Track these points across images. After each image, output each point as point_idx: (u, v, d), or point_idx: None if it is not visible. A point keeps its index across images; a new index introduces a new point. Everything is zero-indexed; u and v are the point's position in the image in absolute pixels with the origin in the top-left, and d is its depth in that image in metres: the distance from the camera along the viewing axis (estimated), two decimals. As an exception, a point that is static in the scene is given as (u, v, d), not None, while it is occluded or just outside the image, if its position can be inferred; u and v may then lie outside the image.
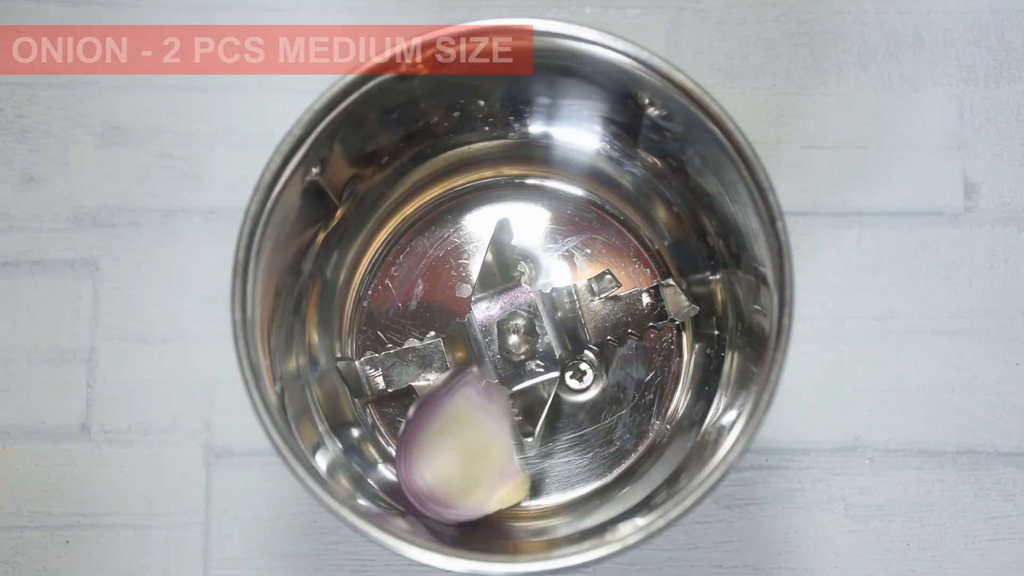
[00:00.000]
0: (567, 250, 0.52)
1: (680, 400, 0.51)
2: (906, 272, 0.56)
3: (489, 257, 0.51)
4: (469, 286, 0.52)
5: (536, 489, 0.51)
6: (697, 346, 0.51)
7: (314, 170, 0.44)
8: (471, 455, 0.47)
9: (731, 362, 0.48)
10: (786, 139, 0.56)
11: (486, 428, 0.48)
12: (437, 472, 0.47)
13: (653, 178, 0.50)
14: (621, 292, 0.51)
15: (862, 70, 0.56)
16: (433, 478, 0.47)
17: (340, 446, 0.49)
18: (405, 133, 0.48)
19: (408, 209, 0.53)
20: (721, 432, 0.44)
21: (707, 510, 0.54)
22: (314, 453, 0.45)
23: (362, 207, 0.51)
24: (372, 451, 0.51)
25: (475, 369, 0.49)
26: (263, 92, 0.56)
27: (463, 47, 0.42)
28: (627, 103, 0.45)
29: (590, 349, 0.51)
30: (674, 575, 0.54)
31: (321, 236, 0.49)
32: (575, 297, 0.52)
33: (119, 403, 0.55)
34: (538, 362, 0.50)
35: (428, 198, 0.53)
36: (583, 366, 0.52)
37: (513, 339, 0.50)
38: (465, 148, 0.52)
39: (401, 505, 0.48)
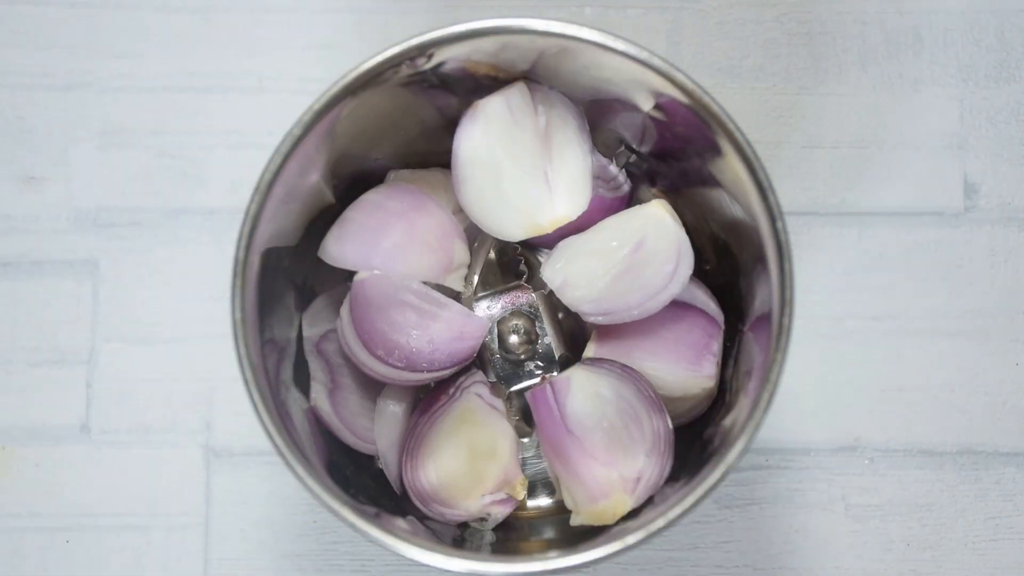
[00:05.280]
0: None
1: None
2: (906, 272, 0.56)
3: (490, 256, 0.51)
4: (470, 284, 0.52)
5: (535, 489, 0.51)
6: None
7: (315, 171, 0.45)
8: (477, 455, 0.47)
9: (732, 363, 0.48)
10: (786, 139, 0.56)
11: (496, 427, 0.48)
12: (443, 472, 0.47)
13: (653, 177, 0.50)
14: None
15: (862, 70, 0.56)
16: (438, 478, 0.47)
17: (339, 444, 0.49)
18: (405, 134, 0.48)
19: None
20: (721, 432, 0.44)
21: (707, 510, 0.54)
22: (314, 452, 0.45)
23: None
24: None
25: (480, 371, 0.49)
26: (263, 92, 0.56)
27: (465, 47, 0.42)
28: (627, 103, 0.45)
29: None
30: (674, 575, 0.54)
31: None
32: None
33: (119, 403, 0.55)
34: (538, 362, 0.50)
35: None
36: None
37: (513, 339, 0.50)
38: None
39: (399, 504, 0.48)
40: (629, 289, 0.46)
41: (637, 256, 0.46)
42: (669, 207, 0.46)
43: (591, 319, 0.47)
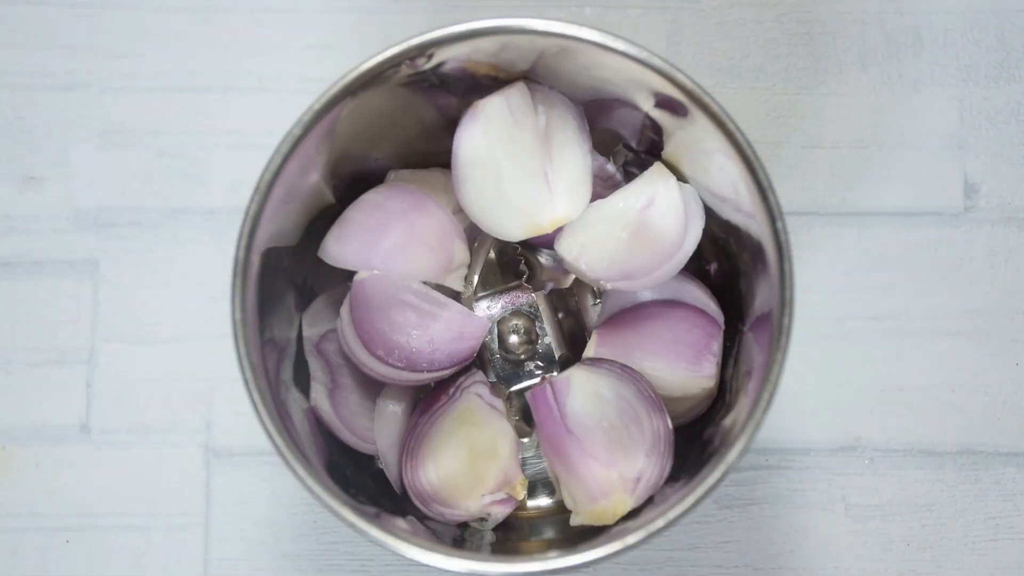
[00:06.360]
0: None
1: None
2: (906, 272, 0.56)
3: (490, 256, 0.51)
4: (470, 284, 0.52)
5: (535, 489, 0.51)
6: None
7: (315, 171, 0.45)
8: (477, 455, 0.47)
9: (732, 363, 0.48)
10: (786, 139, 0.56)
11: (496, 427, 0.47)
12: (443, 472, 0.47)
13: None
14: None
15: (862, 70, 0.56)
16: (439, 478, 0.47)
17: (339, 444, 0.49)
18: (405, 134, 0.48)
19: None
20: (721, 432, 0.44)
21: (707, 510, 0.54)
22: (314, 452, 0.45)
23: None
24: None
25: (480, 371, 0.49)
26: (263, 92, 0.56)
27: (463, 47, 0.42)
28: (626, 102, 0.45)
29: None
30: (674, 575, 0.54)
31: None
32: (576, 297, 0.52)
33: (119, 403, 0.55)
34: (538, 362, 0.50)
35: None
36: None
37: (513, 339, 0.50)
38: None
39: (399, 504, 0.48)
40: (645, 247, 0.46)
41: (649, 212, 0.46)
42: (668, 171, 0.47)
43: (611, 285, 0.46)
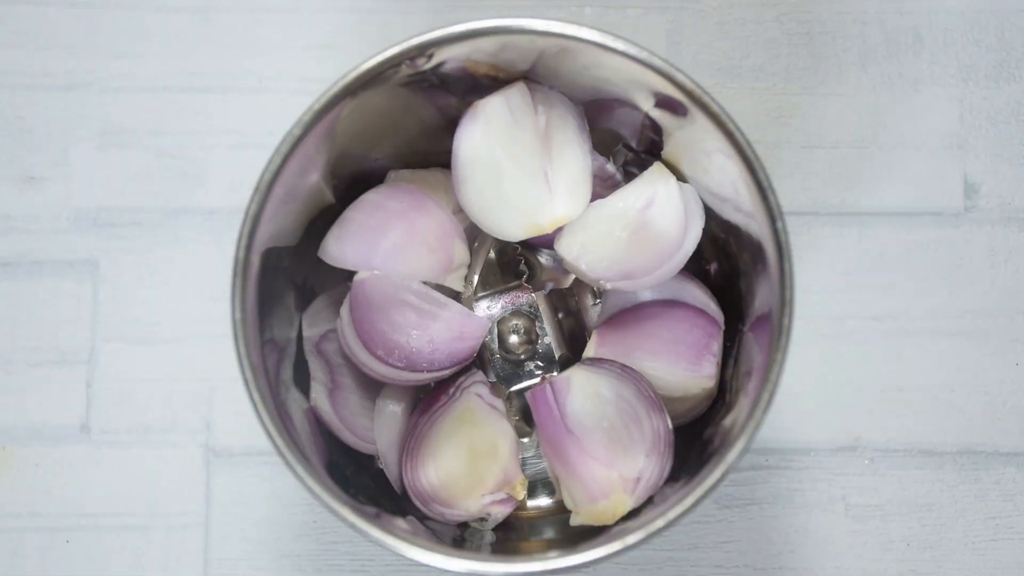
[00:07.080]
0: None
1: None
2: (906, 272, 0.56)
3: (490, 256, 0.51)
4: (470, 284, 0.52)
5: (535, 489, 0.51)
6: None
7: (315, 171, 0.45)
8: (477, 455, 0.47)
9: (732, 363, 0.48)
10: (786, 139, 0.56)
11: (496, 427, 0.47)
12: (443, 472, 0.47)
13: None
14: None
15: (862, 70, 0.57)
16: (439, 478, 0.47)
17: (339, 444, 0.49)
18: (405, 134, 0.48)
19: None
20: (721, 432, 0.44)
21: (707, 510, 0.54)
22: (314, 452, 0.45)
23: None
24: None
25: (480, 371, 0.49)
26: (263, 92, 0.56)
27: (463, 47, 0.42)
28: (626, 102, 0.45)
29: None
30: (674, 575, 0.54)
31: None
32: (576, 297, 0.52)
33: (119, 403, 0.55)
34: (538, 362, 0.50)
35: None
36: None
37: (513, 339, 0.50)
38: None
39: (399, 504, 0.48)
40: (645, 247, 0.46)
41: (649, 212, 0.46)
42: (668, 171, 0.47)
43: (610, 285, 0.47)
